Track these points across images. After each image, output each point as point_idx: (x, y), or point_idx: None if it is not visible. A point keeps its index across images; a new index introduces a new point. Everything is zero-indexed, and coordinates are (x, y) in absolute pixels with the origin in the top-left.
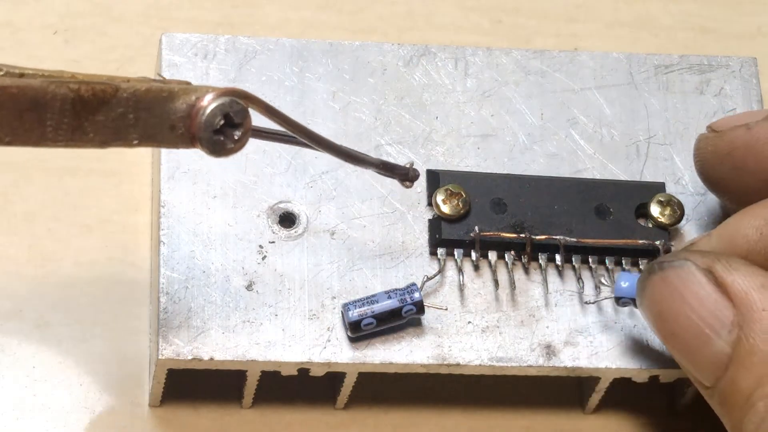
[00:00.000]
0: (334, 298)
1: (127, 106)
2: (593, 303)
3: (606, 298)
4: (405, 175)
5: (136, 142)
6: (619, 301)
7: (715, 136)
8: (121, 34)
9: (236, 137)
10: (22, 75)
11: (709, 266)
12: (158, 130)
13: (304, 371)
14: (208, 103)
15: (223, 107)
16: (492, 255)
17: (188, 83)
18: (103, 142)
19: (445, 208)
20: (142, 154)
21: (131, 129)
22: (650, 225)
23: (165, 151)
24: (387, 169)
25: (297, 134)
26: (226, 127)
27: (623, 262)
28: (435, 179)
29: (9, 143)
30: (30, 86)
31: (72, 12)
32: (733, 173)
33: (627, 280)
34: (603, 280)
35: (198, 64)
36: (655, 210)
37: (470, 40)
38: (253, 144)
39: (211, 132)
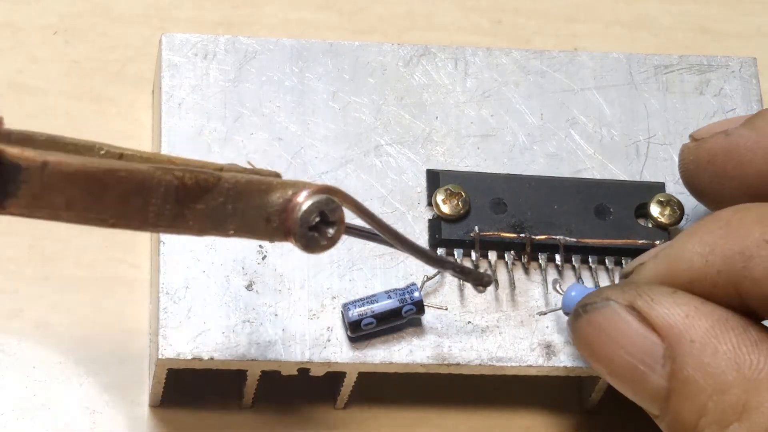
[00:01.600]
0: (334, 298)
1: (227, 197)
2: (545, 314)
3: (557, 309)
4: (479, 280)
5: (232, 232)
6: (567, 313)
7: (696, 144)
8: (121, 34)
9: (329, 234)
10: (121, 156)
11: (630, 302)
12: (254, 221)
13: (304, 371)
14: (305, 200)
15: (319, 204)
16: (492, 255)
17: (279, 174)
18: (201, 230)
19: (445, 208)
20: None
21: (229, 219)
22: (650, 225)
23: (165, 152)
24: (463, 273)
25: (384, 234)
26: (320, 224)
27: (623, 262)
28: (435, 179)
29: (112, 225)
30: (138, 171)
31: (72, 12)
32: (715, 181)
33: (578, 294)
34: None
35: (198, 64)
36: (654, 210)
37: (470, 40)
38: (253, 143)
39: (306, 228)
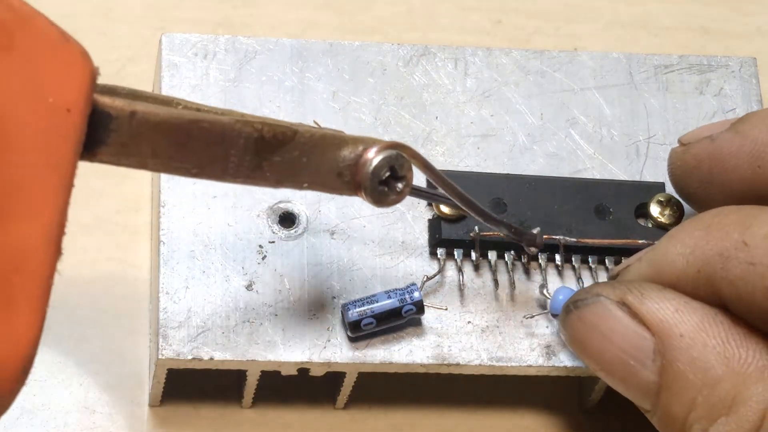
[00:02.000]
0: (334, 298)
1: (303, 150)
2: (532, 318)
3: (545, 313)
4: (532, 241)
5: (306, 184)
6: (555, 317)
7: (683, 149)
8: (121, 34)
9: (398, 189)
10: (198, 110)
11: (621, 298)
12: (326, 175)
13: (304, 371)
14: (375, 155)
15: (389, 159)
16: (492, 255)
17: (339, 132)
18: (278, 182)
19: (445, 208)
20: None
21: (304, 172)
22: (650, 225)
23: None
24: (516, 234)
25: (448, 192)
26: (390, 179)
27: (623, 262)
28: None
29: (195, 175)
30: (220, 122)
31: (72, 12)
32: (702, 186)
33: (565, 296)
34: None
35: (198, 64)
36: (654, 210)
37: (470, 40)
38: None
39: (376, 182)
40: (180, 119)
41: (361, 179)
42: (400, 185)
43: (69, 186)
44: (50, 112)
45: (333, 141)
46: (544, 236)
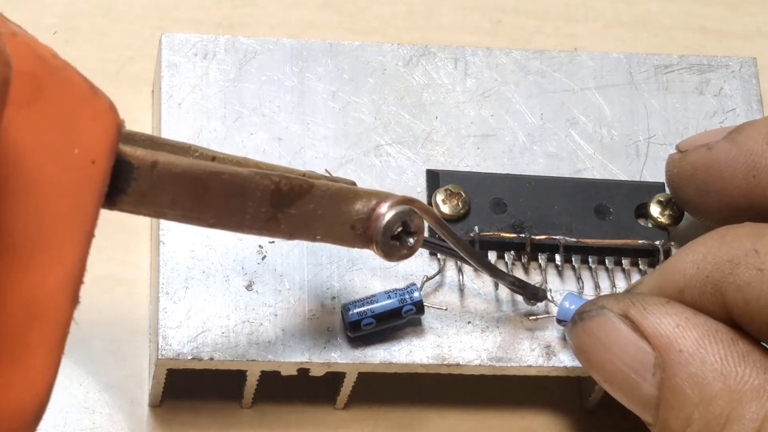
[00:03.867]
0: (334, 298)
1: (318, 203)
2: (536, 320)
3: (548, 317)
4: (535, 294)
5: (319, 237)
6: (560, 322)
7: (680, 156)
8: (121, 34)
9: (410, 244)
10: (213, 158)
11: (624, 311)
12: (339, 228)
13: (304, 371)
14: (388, 210)
15: (401, 215)
16: (492, 255)
17: (354, 183)
18: (291, 234)
19: (445, 208)
20: None
21: (318, 224)
22: (650, 225)
23: None
24: (519, 286)
25: (457, 246)
26: (401, 233)
27: (623, 262)
28: (435, 179)
29: (212, 225)
30: (239, 174)
31: (72, 12)
32: (697, 194)
33: (572, 303)
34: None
35: (198, 64)
36: (654, 210)
37: (470, 40)
38: (253, 144)
39: (388, 237)
40: (200, 171)
41: (373, 233)
42: (411, 240)
43: (90, 235)
44: (75, 163)
45: (347, 195)
46: (544, 236)
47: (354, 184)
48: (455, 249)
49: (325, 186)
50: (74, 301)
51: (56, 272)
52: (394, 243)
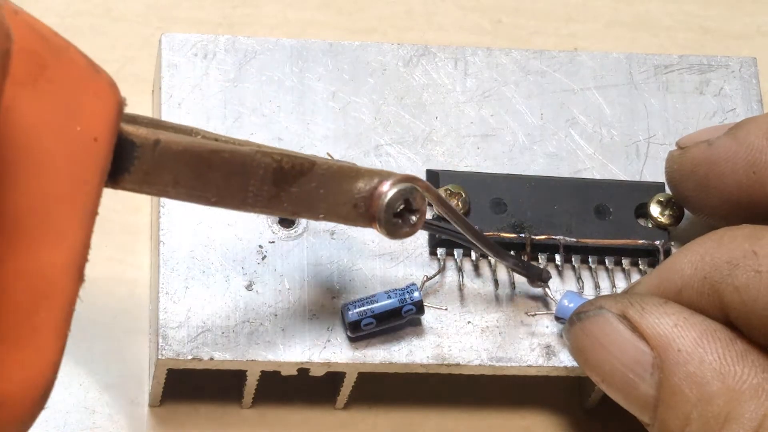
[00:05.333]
0: (334, 298)
1: (320, 181)
2: (533, 315)
3: (547, 313)
4: (539, 275)
5: (322, 215)
6: (559, 320)
7: (680, 153)
8: (121, 34)
9: (412, 222)
10: (216, 140)
11: (622, 311)
12: (342, 206)
13: (304, 371)
14: (390, 188)
15: (403, 193)
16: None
17: (354, 165)
18: (294, 212)
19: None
20: None
21: (320, 203)
22: (650, 225)
23: None
24: (523, 267)
25: (460, 226)
26: (404, 212)
27: (623, 262)
28: (435, 179)
29: (214, 203)
30: (240, 152)
31: (72, 12)
32: (697, 190)
33: (571, 301)
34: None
35: (198, 64)
36: (654, 210)
37: (470, 40)
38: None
39: (391, 215)
40: (202, 149)
41: (376, 211)
42: (413, 218)
43: (94, 213)
44: (78, 141)
45: (349, 173)
46: (544, 236)
47: (354, 165)
48: (458, 229)
49: (326, 164)
50: (80, 279)
51: (61, 250)
52: (396, 221)
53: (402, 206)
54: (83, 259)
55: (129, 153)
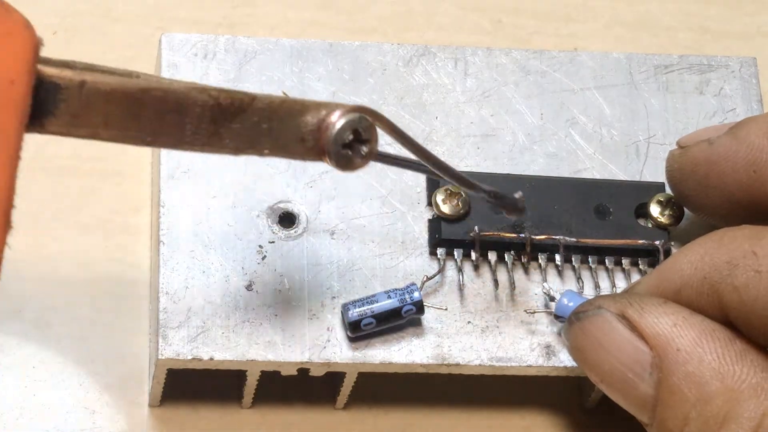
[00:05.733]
0: (334, 298)
1: (262, 116)
2: (533, 313)
3: (546, 311)
4: (514, 205)
5: (267, 151)
6: (558, 318)
7: (681, 152)
8: (121, 34)
9: (363, 152)
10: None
11: (621, 311)
12: (289, 141)
13: (304, 371)
14: (338, 119)
15: (352, 123)
16: (492, 255)
17: (300, 99)
18: (237, 149)
19: (445, 208)
20: (143, 154)
21: (264, 138)
22: (650, 225)
23: (164, 151)
24: (497, 198)
25: (419, 156)
26: (354, 143)
27: (623, 262)
28: (435, 179)
29: (150, 143)
30: (174, 90)
31: (72, 12)
32: (698, 190)
33: (571, 300)
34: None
35: (198, 64)
36: (654, 210)
37: (470, 40)
38: None
39: (339, 146)
40: (132, 88)
41: (325, 144)
42: (364, 149)
43: (15, 158)
44: None
45: (294, 107)
46: (544, 236)
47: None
48: (416, 159)
49: (268, 99)
50: (6, 225)
51: None
52: (346, 152)
53: (351, 137)
54: (9, 204)
55: (53, 95)
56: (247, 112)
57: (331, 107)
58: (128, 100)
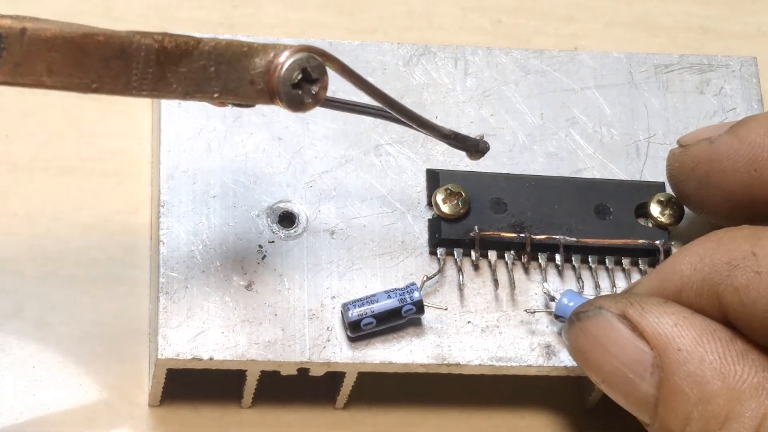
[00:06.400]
0: (334, 298)
1: (209, 59)
2: (533, 313)
3: (546, 311)
4: (475, 147)
5: (216, 95)
6: (558, 318)
7: (681, 151)
8: None
9: (314, 92)
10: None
11: (622, 311)
12: (238, 84)
13: (303, 371)
14: (286, 59)
15: (300, 62)
16: (492, 255)
17: (247, 41)
18: (186, 93)
19: (445, 208)
20: (143, 154)
21: (212, 81)
22: (650, 225)
23: (165, 151)
24: (458, 140)
25: (371, 95)
26: (303, 83)
27: (623, 262)
28: (435, 179)
29: (96, 90)
30: (117, 35)
31: (72, 12)
32: (699, 188)
33: (571, 300)
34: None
35: None
36: (655, 210)
37: (470, 40)
38: (252, 143)
39: (289, 86)
40: (73, 33)
41: (275, 85)
42: (315, 88)
43: None
44: None
45: (241, 48)
46: (544, 236)
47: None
48: (372, 100)
49: (214, 41)
50: None
51: None
52: (296, 92)
53: (300, 76)
54: None
55: None
56: (193, 54)
57: (278, 48)
58: (71, 46)
